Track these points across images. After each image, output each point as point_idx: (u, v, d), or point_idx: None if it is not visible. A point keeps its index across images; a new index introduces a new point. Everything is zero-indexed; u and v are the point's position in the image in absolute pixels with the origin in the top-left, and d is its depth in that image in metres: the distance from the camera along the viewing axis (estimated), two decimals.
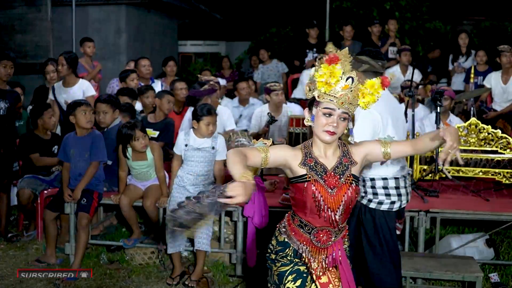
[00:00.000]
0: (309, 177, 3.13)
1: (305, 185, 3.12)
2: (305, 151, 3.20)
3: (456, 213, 5.67)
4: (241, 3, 17.72)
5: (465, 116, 8.31)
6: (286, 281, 3.24)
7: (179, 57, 18.16)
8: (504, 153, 6.35)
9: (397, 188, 4.40)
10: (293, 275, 3.24)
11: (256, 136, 7.21)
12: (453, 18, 14.61)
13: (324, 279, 3.24)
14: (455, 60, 10.20)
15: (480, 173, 6.54)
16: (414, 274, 5.12)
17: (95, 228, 6.67)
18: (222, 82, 10.16)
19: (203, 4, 17.72)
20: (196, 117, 5.62)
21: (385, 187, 4.39)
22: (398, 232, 4.54)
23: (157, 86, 8.61)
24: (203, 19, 18.59)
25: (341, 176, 3.17)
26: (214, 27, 19.01)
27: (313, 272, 3.23)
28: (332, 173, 3.16)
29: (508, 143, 6.36)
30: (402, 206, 4.48)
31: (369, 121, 4.27)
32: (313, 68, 3.12)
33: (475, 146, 6.59)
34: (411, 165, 6.42)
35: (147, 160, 6.03)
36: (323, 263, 3.25)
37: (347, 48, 3.17)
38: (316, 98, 3.08)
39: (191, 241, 5.88)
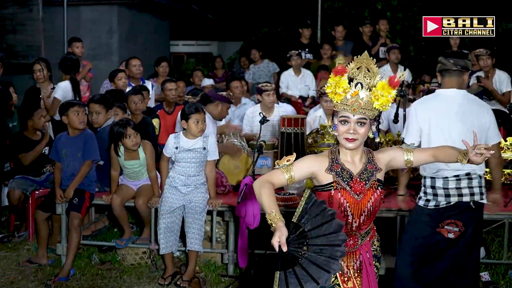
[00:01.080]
0: (336, 185, 3.19)
1: (332, 193, 3.19)
2: (331, 156, 3.26)
3: None
4: (233, 3, 17.71)
5: None
6: None
7: (171, 57, 18.12)
8: None
9: (433, 187, 4.59)
10: None
11: (249, 138, 7.23)
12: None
13: (350, 284, 3.29)
14: None
15: None
16: None
17: (87, 229, 6.65)
18: (209, 82, 10.17)
19: (195, 4, 17.69)
20: (185, 116, 5.63)
21: (423, 185, 4.70)
22: (451, 235, 4.53)
23: (148, 86, 8.60)
24: (195, 19, 18.56)
25: (367, 182, 3.22)
26: (206, 27, 18.98)
27: (339, 276, 3.26)
28: (358, 179, 3.21)
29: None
30: (441, 206, 4.57)
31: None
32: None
33: None
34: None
35: (139, 160, 6.03)
36: (353, 266, 3.30)
37: (366, 52, 3.23)
38: (334, 108, 3.19)
39: (183, 241, 5.88)
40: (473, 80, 8.64)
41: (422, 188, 4.70)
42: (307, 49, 10.93)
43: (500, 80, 8.40)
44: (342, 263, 3.23)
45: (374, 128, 3.22)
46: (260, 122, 6.02)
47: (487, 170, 5.05)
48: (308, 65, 10.59)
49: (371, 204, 3.22)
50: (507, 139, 6.48)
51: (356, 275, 3.31)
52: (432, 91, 6.66)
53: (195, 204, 5.67)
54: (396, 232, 5.68)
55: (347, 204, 3.18)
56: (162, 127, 7.70)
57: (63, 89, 7.76)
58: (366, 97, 3.10)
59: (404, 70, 7.03)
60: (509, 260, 5.86)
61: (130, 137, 5.90)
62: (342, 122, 3.14)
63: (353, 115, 3.11)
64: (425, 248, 4.60)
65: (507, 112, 7.95)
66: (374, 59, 3.19)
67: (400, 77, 3.20)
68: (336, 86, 3.10)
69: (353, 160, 3.24)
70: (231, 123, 8.27)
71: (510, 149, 6.42)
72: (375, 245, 3.41)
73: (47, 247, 6.24)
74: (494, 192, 5.19)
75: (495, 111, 8.41)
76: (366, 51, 3.23)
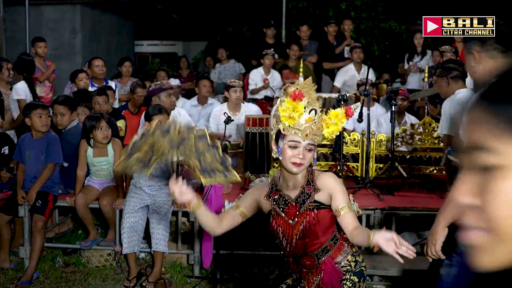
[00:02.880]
0: (273, 212, 3.26)
1: (271, 221, 3.26)
2: (272, 183, 3.32)
3: (411, 210, 5.74)
4: (198, 3, 17.65)
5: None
6: None
7: (136, 57, 18.00)
8: None
9: None
10: None
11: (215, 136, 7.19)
12: (408, 18, 14.80)
13: None
14: (410, 60, 10.33)
15: (435, 171, 6.66)
16: (371, 271, 5.18)
17: (50, 231, 6.58)
18: (175, 82, 10.12)
19: (159, 4, 17.60)
20: (148, 117, 5.62)
21: None
22: None
23: (112, 86, 8.53)
24: (160, 19, 18.47)
25: (302, 206, 3.21)
26: (170, 27, 18.90)
27: None
28: (294, 203, 3.22)
29: None
30: None
31: None
32: (278, 101, 3.17)
33: (430, 144, 6.70)
34: (366, 163, 6.49)
35: (107, 156, 6.01)
36: (314, 284, 3.30)
37: (310, 78, 3.27)
38: (282, 131, 3.12)
39: (148, 242, 5.85)
40: None
41: None
42: (272, 49, 10.95)
43: None
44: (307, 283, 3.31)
45: (315, 154, 3.32)
46: (224, 122, 6.02)
47: None
48: (274, 64, 10.60)
49: (303, 226, 3.19)
50: None
51: None
52: (396, 90, 6.73)
53: (160, 205, 5.65)
54: None
55: (280, 229, 3.24)
56: (128, 128, 7.65)
57: (23, 89, 7.68)
58: (317, 123, 3.10)
59: (368, 69, 7.07)
60: None
61: (101, 129, 5.87)
62: (292, 147, 3.09)
63: (304, 141, 3.08)
64: None
65: None
66: (316, 86, 3.19)
67: (354, 109, 3.26)
68: (294, 111, 3.05)
69: (292, 185, 3.24)
70: (197, 122, 8.26)
71: None
72: (348, 260, 3.32)
73: (10, 250, 6.15)
74: None
75: None
76: (310, 78, 3.27)
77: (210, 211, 3.20)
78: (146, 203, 5.66)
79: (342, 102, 6.04)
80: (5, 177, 6.50)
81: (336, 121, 3.15)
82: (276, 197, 3.25)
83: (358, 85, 8.53)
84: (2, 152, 6.76)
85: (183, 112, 7.66)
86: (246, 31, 15.19)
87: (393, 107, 6.40)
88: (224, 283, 5.53)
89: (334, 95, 7.95)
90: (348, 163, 6.72)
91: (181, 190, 2.96)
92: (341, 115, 3.15)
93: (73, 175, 6.09)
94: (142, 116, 7.21)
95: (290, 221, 3.21)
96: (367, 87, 6.52)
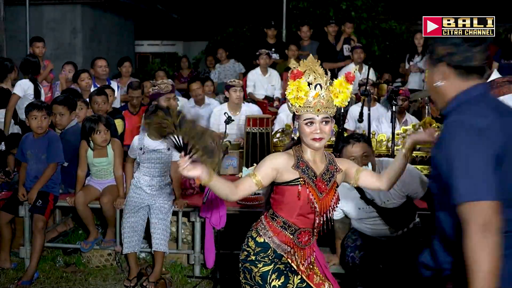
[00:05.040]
0: (303, 180, 3.25)
1: (299, 188, 3.24)
2: (296, 154, 3.33)
3: None
4: (198, 3, 17.64)
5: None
6: (270, 280, 3.33)
7: (136, 57, 18.00)
8: None
9: None
10: (276, 273, 3.33)
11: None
12: (408, 18, 14.79)
13: (316, 280, 3.40)
14: (411, 60, 10.33)
15: None
16: None
17: (51, 231, 6.58)
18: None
19: (160, 4, 17.60)
20: (147, 117, 5.61)
21: None
22: None
23: (114, 87, 8.54)
24: (160, 19, 18.46)
25: (328, 183, 3.33)
26: (171, 27, 18.89)
27: (300, 272, 3.35)
28: (321, 178, 3.30)
29: None
30: None
31: None
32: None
33: (430, 145, 6.67)
34: None
35: (107, 157, 6.02)
36: (306, 263, 3.40)
37: (311, 55, 3.38)
38: (296, 112, 3.26)
39: (149, 242, 5.85)
40: None
41: None
42: (273, 49, 10.95)
43: None
44: (294, 258, 3.36)
45: (333, 127, 3.36)
46: (225, 122, 6.03)
47: None
48: (274, 65, 10.61)
49: (333, 202, 3.34)
50: None
51: (309, 270, 3.41)
52: (396, 90, 6.73)
53: (160, 205, 5.65)
54: None
55: (315, 200, 3.25)
56: (127, 128, 7.65)
57: (21, 86, 7.71)
58: (326, 96, 3.22)
59: (369, 69, 7.07)
60: None
61: (100, 133, 5.88)
62: (308, 124, 3.21)
63: (317, 116, 3.20)
64: None
65: None
66: (319, 61, 3.33)
67: (353, 72, 3.34)
68: (298, 90, 3.18)
69: (315, 160, 3.33)
70: None
71: None
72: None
73: (10, 250, 6.15)
74: None
75: None
76: (310, 54, 3.42)
77: (223, 180, 3.17)
78: (146, 203, 5.66)
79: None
80: (1, 179, 6.50)
81: (341, 90, 3.25)
82: (304, 167, 3.28)
83: (359, 85, 8.53)
84: None
85: None
86: (246, 31, 15.18)
87: (393, 107, 6.39)
88: (224, 283, 5.53)
89: None
90: None
91: (190, 166, 2.95)
92: (343, 82, 3.25)
93: (73, 174, 6.09)
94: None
95: (319, 194, 3.28)
96: (367, 87, 6.51)
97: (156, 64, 16.77)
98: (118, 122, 7.36)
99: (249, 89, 10.01)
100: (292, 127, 3.39)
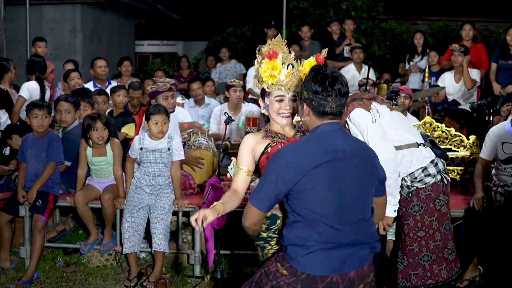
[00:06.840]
0: (273, 142, 3.48)
1: (269, 150, 3.44)
2: (265, 129, 3.58)
3: None
4: (198, 3, 17.67)
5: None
6: None
7: (136, 57, 18.00)
8: (458, 151, 6.47)
9: None
10: None
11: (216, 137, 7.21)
12: (408, 18, 14.81)
13: None
14: (410, 60, 10.34)
15: None
16: None
17: (51, 231, 6.58)
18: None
19: (160, 4, 17.62)
20: (147, 117, 5.63)
21: None
22: None
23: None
24: (160, 19, 18.48)
25: (300, 138, 3.50)
26: (171, 27, 18.91)
27: None
28: (293, 138, 3.53)
29: (462, 141, 6.47)
30: None
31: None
32: (255, 62, 3.55)
33: None
34: None
35: (106, 156, 6.01)
36: None
37: (279, 34, 3.68)
38: (266, 89, 3.50)
39: (149, 242, 5.85)
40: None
41: None
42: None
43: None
44: None
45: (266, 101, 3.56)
46: (225, 122, 6.02)
47: None
48: None
49: None
50: (469, 137, 6.56)
51: None
52: (396, 90, 6.73)
53: (161, 205, 5.65)
54: None
55: None
56: None
57: (28, 88, 7.73)
58: (296, 75, 3.45)
59: (368, 69, 7.08)
60: None
61: (97, 129, 5.87)
62: (278, 101, 3.47)
63: (288, 93, 3.46)
64: None
65: (469, 111, 8.08)
66: (285, 41, 3.51)
67: (324, 54, 3.50)
68: (273, 69, 3.41)
69: (284, 129, 3.55)
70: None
71: (472, 148, 6.50)
72: None
73: (10, 250, 6.15)
74: None
75: (460, 111, 8.57)
76: (279, 34, 3.66)
77: (226, 199, 3.39)
78: (146, 203, 5.66)
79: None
80: (3, 170, 6.49)
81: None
82: (272, 135, 3.52)
83: (359, 85, 8.53)
84: (3, 152, 6.76)
85: (186, 113, 7.66)
86: (246, 31, 15.18)
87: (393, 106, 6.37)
88: (224, 283, 5.52)
89: None
90: None
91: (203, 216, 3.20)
92: (313, 63, 3.45)
93: (74, 175, 6.09)
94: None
95: None
96: (367, 87, 6.51)
97: (156, 64, 16.77)
98: (131, 127, 7.32)
99: (249, 85, 10.03)
100: (263, 105, 3.58)
